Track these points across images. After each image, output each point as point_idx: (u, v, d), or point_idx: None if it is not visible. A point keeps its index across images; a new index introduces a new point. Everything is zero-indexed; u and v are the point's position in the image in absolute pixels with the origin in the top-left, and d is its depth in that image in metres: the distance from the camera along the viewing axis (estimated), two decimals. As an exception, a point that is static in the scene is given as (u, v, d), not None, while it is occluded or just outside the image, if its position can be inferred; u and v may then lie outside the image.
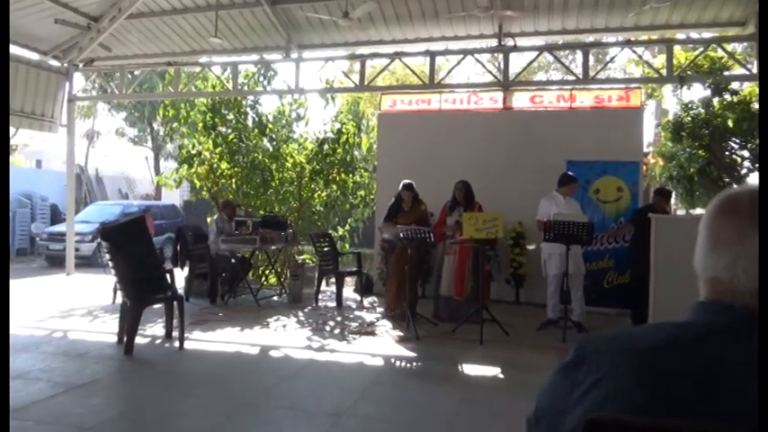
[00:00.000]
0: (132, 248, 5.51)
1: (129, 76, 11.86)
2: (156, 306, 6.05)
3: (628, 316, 7.31)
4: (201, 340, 5.89)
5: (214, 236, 8.00)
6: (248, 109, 10.38)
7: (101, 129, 23.33)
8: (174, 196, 19.40)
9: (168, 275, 5.66)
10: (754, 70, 8.49)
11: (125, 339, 5.31)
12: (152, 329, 6.18)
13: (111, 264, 5.60)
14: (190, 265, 8.17)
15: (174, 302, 5.63)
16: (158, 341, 5.79)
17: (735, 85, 8.67)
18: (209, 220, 9.55)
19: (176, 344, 5.53)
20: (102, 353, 5.32)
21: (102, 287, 8.62)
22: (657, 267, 5.91)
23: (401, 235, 6.45)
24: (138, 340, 5.47)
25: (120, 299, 5.82)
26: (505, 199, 7.87)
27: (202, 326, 6.48)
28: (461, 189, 6.97)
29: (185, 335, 5.65)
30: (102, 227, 6.19)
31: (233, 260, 8.03)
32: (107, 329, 6.10)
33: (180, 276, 8.13)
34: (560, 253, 6.38)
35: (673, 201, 11.21)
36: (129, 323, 5.32)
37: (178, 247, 8.35)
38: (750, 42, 9.12)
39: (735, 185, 8.52)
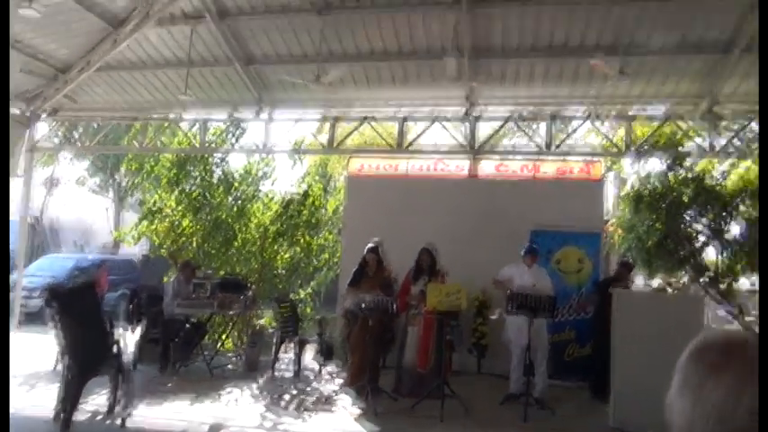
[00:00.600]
0: (79, 315, 5.22)
1: (95, 126, 11.69)
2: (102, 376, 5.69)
3: (586, 389, 7.25)
4: (147, 417, 5.53)
5: (169, 298, 7.69)
6: (214, 166, 10.26)
7: (61, 176, 22.72)
8: (132, 250, 18.84)
9: (116, 345, 5.36)
10: (708, 146, 8.83)
11: (62, 416, 4.94)
12: (95, 401, 5.78)
13: (55, 330, 5.27)
14: (142, 328, 7.80)
15: (120, 374, 5.30)
16: (100, 417, 5.41)
17: (690, 160, 9.02)
18: (165, 279, 9.23)
19: (118, 421, 5.17)
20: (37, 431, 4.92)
21: (46, 349, 8.11)
22: (617, 340, 5.92)
23: (363, 305, 6.31)
24: (78, 416, 5.10)
25: (61, 366, 5.46)
26: (470, 266, 7.83)
27: (149, 398, 6.09)
28: (427, 257, 6.91)
29: (130, 409, 5.30)
30: (49, 288, 5.87)
31: (187, 325, 7.70)
32: (44, 402, 5.68)
33: (130, 340, 7.77)
34: (524, 325, 6.32)
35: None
36: (70, 397, 4.97)
37: (131, 309, 7.98)
38: (703, 120, 9.52)
39: (691, 259, 8.74)
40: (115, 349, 5.38)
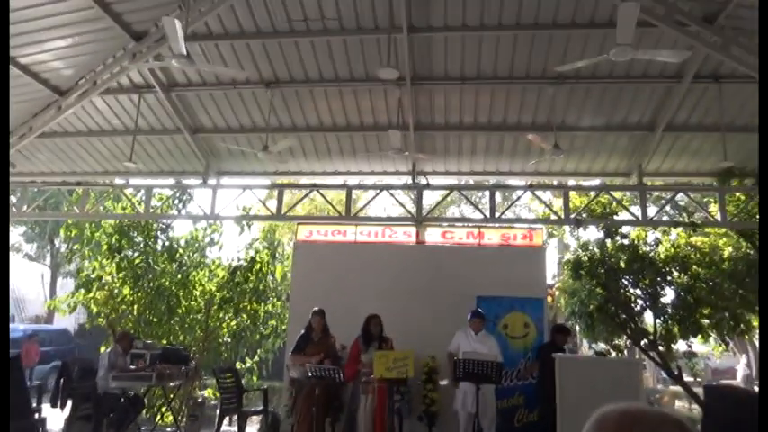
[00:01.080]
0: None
1: (35, 190, 11.33)
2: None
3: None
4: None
5: (104, 371, 7.28)
6: (159, 232, 10.07)
7: (-6, 243, 21.64)
8: (67, 319, 17.89)
9: (40, 425, 5.01)
10: (640, 215, 9.38)
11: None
12: (13, 488, 5.31)
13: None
14: (72, 404, 7.30)
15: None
16: (18, 504, 4.96)
17: (624, 228, 9.52)
18: (102, 350, 8.77)
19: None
20: None
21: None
22: (562, 405, 5.97)
23: (309, 374, 6.18)
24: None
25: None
26: (417, 333, 7.83)
27: (76, 481, 5.67)
28: (377, 323, 6.87)
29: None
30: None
31: (123, 399, 7.27)
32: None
33: (60, 418, 7.26)
34: (471, 391, 6.32)
35: (577, 333, 11.65)
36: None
37: (61, 384, 7.49)
38: (634, 191, 10.15)
39: (631, 323, 9.04)
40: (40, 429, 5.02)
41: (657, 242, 9.42)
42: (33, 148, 9.90)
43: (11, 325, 15.64)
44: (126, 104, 9.06)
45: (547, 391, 7.31)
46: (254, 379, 9.73)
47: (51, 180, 10.63)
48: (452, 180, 10.53)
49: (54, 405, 7.32)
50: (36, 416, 5.32)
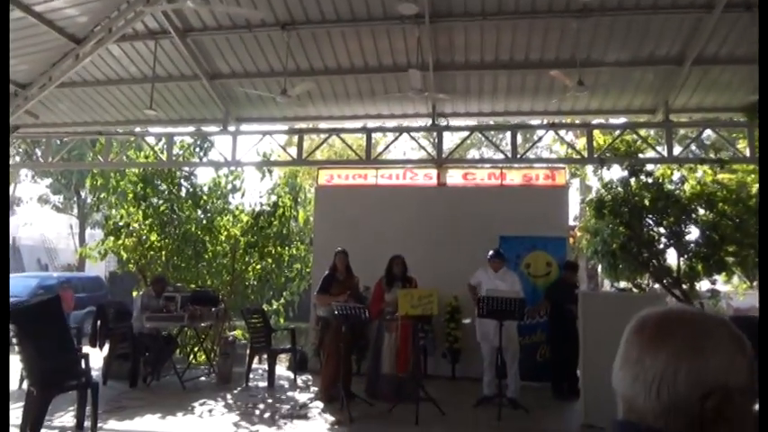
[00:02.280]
0: (43, 332, 5.10)
1: (58, 142, 11.47)
2: (69, 393, 5.56)
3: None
4: (117, 430, 5.43)
5: (138, 313, 7.57)
6: (182, 180, 10.19)
7: (22, 195, 22.18)
8: (98, 267, 18.45)
9: (83, 359, 5.26)
10: (665, 153, 9.20)
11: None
12: (61, 420, 5.64)
13: (17, 348, 5.15)
14: (110, 344, 7.65)
15: (88, 389, 5.20)
16: (68, 433, 5.29)
17: (649, 167, 9.36)
18: (134, 294, 9.07)
19: (87, 436, 5.06)
20: (1, 449, 4.77)
21: (10, 369, 7.87)
22: (585, 341, 6.07)
23: (335, 312, 6.34)
24: (45, 433, 4.98)
25: (26, 385, 5.32)
26: (440, 273, 7.96)
27: (119, 414, 5.98)
28: (400, 264, 6.98)
29: (99, 425, 5.20)
30: (10, 308, 5.70)
31: (157, 339, 7.58)
32: (10, 421, 5.51)
33: (99, 357, 7.61)
34: (494, 328, 6.44)
35: (599, 273, 11.69)
36: (35, 415, 4.85)
37: (98, 325, 7.82)
38: (660, 128, 9.92)
39: (654, 261, 9.02)
40: (81, 365, 5.27)
41: (683, 180, 9.27)
42: (54, 99, 9.96)
43: (44, 273, 16.21)
44: (142, 51, 9.00)
45: (556, 329, 7.46)
46: (281, 320, 10.02)
47: (74, 130, 10.73)
48: (473, 121, 10.36)
49: (93, 345, 7.69)
50: (79, 353, 5.56)
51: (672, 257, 9.41)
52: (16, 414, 5.42)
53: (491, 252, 7.13)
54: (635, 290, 9.57)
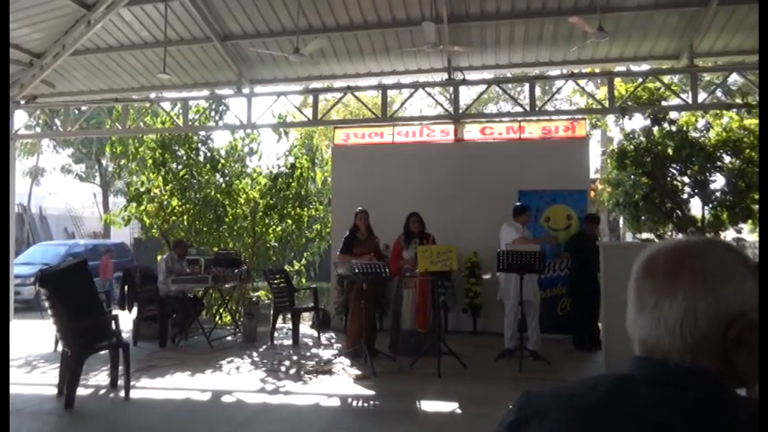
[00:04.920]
0: (73, 294, 5.25)
1: (76, 112, 11.56)
2: (102, 353, 5.76)
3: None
4: (149, 388, 5.63)
5: (163, 276, 7.74)
6: (199, 144, 10.22)
7: (45, 166, 22.55)
8: (123, 234, 18.82)
9: (113, 321, 5.41)
10: (689, 100, 8.93)
11: (65, 392, 5.02)
12: (96, 379, 5.87)
13: (50, 312, 5.32)
14: (138, 307, 7.87)
15: (120, 349, 5.38)
16: (103, 391, 5.50)
17: (672, 115, 9.10)
18: (158, 258, 9.26)
19: (122, 393, 5.25)
20: (41, 408, 5.01)
21: (42, 334, 8.17)
22: (606, 291, 6.05)
23: (356, 270, 6.40)
24: (81, 391, 5.18)
25: (61, 347, 5.52)
26: (460, 229, 7.96)
27: (150, 372, 6.20)
28: (417, 221, 6.98)
29: (132, 383, 5.39)
30: (40, 273, 5.86)
31: (183, 300, 7.76)
32: (47, 381, 5.76)
33: (128, 320, 7.84)
34: (515, 282, 6.46)
35: (621, 226, 11.55)
36: (71, 374, 5.04)
37: (126, 289, 8.03)
38: (684, 74, 9.61)
39: (677, 211, 8.88)
40: (112, 326, 5.43)
41: (708, 127, 9.01)
42: (69, 67, 9.98)
43: (72, 241, 16.60)
44: (153, 15, 8.91)
45: (577, 282, 7.45)
46: (303, 281, 10.17)
47: (90, 98, 10.78)
48: (490, 74, 10.13)
49: (122, 308, 7.91)
50: (109, 314, 5.74)
51: (696, 207, 9.25)
52: (53, 374, 5.67)
53: (515, 207, 7.07)
54: (658, 241, 9.45)
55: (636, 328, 0.88)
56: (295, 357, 6.99)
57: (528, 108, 9.33)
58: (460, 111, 9.55)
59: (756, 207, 8.79)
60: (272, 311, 8.21)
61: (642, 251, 0.91)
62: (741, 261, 0.85)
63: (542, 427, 0.83)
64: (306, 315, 9.03)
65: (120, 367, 5.41)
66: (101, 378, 5.86)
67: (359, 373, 6.11)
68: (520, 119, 9.24)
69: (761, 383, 0.77)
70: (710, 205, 8.91)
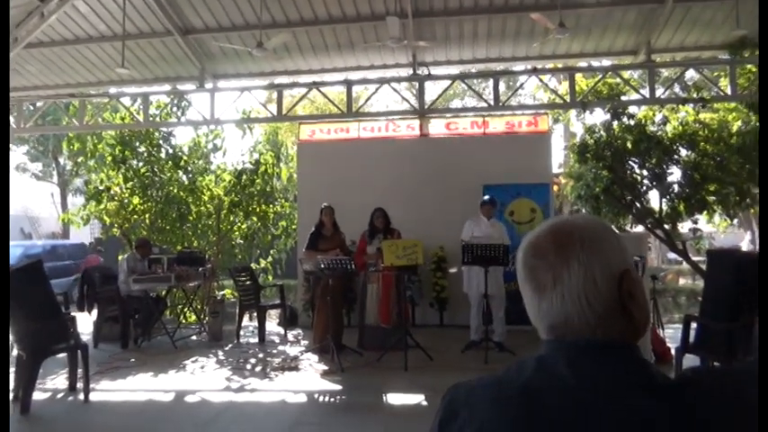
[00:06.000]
0: (28, 296, 5.07)
1: (31, 107, 11.16)
2: (60, 356, 5.58)
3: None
4: (110, 390, 5.49)
5: (125, 275, 7.55)
6: (161, 141, 9.99)
7: None
8: (83, 234, 18.28)
9: (70, 322, 5.26)
10: (647, 95, 9.16)
11: (21, 396, 4.85)
12: (53, 382, 5.69)
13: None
14: (98, 308, 7.66)
15: (78, 351, 5.23)
16: (60, 395, 5.34)
17: (631, 109, 9.32)
18: (119, 258, 9.03)
19: (81, 396, 5.11)
20: (-5, 413, 4.82)
21: (-1, 338, 7.89)
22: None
23: (322, 266, 6.37)
24: (38, 395, 5.03)
25: (16, 351, 5.33)
26: (426, 224, 7.99)
27: (111, 374, 6.04)
28: (380, 217, 6.99)
29: (92, 386, 5.25)
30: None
31: (145, 300, 7.59)
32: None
33: (88, 321, 7.63)
34: (480, 275, 6.52)
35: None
36: (26, 378, 4.88)
37: (85, 290, 7.80)
38: (642, 70, 9.84)
39: (636, 203, 9.10)
40: (69, 328, 5.27)
41: (665, 121, 9.26)
42: (22, 60, 9.60)
43: (29, 242, 16.06)
44: (111, 7, 8.64)
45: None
46: (270, 278, 10.07)
47: (45, 93, 10.43)
48: (455, 70, 10.19)
49: (81, 310, 7.69)
50: (66, 316, 5.57)
51: (654, 199, 9.51)
52: (10, 379, 5.46)
53: (483, 199, 7.14)
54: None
55: (542, 315, 0.88)
56: (261, 355, 6.92)
57: (492, 103, 9.43)
58: (426, 106, 9.57)
59: (711, 198, 9.10)
60: (237, 310, 8.10)
61: (523, 241, 0.92)
62: (609, 227, 0.91)
63: (472, 418, 0.83)
64: (272, 312, 8.95)
65: (80, 370, 5.26)
66: (58, 382, 5.68)
67: (326, 368, 6.09)
68: (484, 114, 9.33)
69: (761, 383, 0.76)
70: (668, 197, 9.17)
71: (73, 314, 5.94)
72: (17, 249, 12.94)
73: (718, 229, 12.96)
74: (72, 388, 5.35)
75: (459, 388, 0.90)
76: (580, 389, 0.80)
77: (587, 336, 0.84)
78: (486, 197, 7.20)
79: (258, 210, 9.66)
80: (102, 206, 9.49)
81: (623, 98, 9.25)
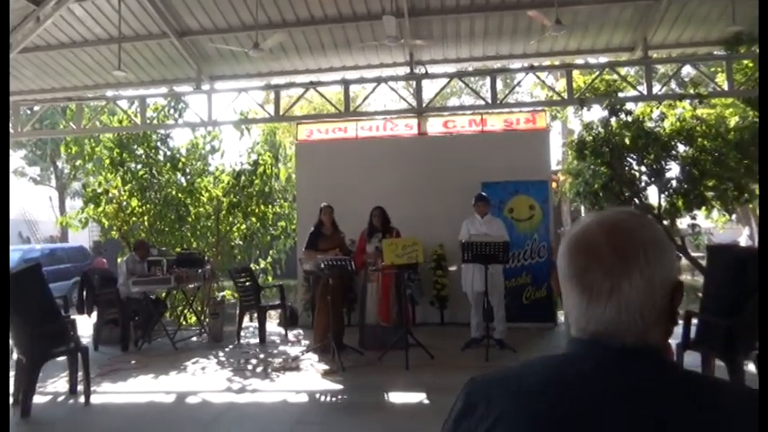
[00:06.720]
0: (26, 300, 5.05)
1: (28, 112, 11.14)
2: (60, 359, 5.57)
3: (548, 330, 7.56)
4: (111, 392, 5.48)
5: (124, 278, 7.54)
6: (159, 143, 9.98)
7: (-2, 169, 21.65)
8: (82, 237, 18.24)
9: (70, 325, 5.24)
10: (644, 91, 9.17)
11: (21, 400, 4.84)
12: (54, 386, 5.68)
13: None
14: (98, 310, 7.64)
15: (78, 354, 5.21)
16: (61, 398, 5.32)
17: (629, 106, 9.32)
18: (118, 260, 9.02)
19: (81, 399, 5.10)
20: (-4, 417, 4.81)
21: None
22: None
23: (321, 265, 6.36)
24: (38, 399, 5.02)
25: (16, 355, 5.32)
26: (425, 222, 7.99)
27: (112, 376, 6.03)
28: (379, 216, 6.98)
29: (93, 388, 5.24)
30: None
31: (145, 302, 7.57)
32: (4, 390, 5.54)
33: (88, 324, 7.62)
34: (479, 272, 6.52)
35: (582, 215, 11.76)
36: (26, 382, 4.86)
37: (84, 293, 7.79)
38: (639, 66, 9.85)
39: (635, 199, 9.11)
40: (69, 331, 5.26)
41: (663, 117, 9.26)
42: (18, 65, 9.59)
43: (27, 246, 16.03)
44: (106, 10, 8.64)
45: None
46: (269, 279, 10.05)
47: (42, 97, 10.41)
48: (452, 68, 10.20)
49: (81, 312, 7.68)
50: (65, 319, 5.55)
51: (653, 195, 9.50)
52: (10, 383, 5.44)
53: (475, 196, 7.13)
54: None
55: (587, 317, 0.83)
56: (262, 355, 6.91)
57: (490, 101, 9.43)
58: (423, 105, 9.57)
59: (710, 194, 9.10)
60: (237, 310, 8.09)
61: (567, 234, 0.87)
62: (664, 232, 0.86)
63: (490, 411, 0.82)
64: (273, 313, 8.94)
65: (80, 373, 5.25)
66: (59, 385, 5.67)
67: (327, 368, 6.08)
68: (482, 112, 9.33)
69: (760, 382, 0.77)
70: (666, 193, 9.17)
71: (73, 317, 5.92)
72: (15, 254, 12.89)
73: (716, 225, 12.98)
74: (72, 391, 5.34)
75: (477, 381, 0.89)
76: (605, 390, 0.78)
77: (626, 340, 0.81)
78: (477, 195, 7.15)
79: (257, 210, 9.65)
80: (100, 209, 9.47)
81: (620, 95, 9.25)
